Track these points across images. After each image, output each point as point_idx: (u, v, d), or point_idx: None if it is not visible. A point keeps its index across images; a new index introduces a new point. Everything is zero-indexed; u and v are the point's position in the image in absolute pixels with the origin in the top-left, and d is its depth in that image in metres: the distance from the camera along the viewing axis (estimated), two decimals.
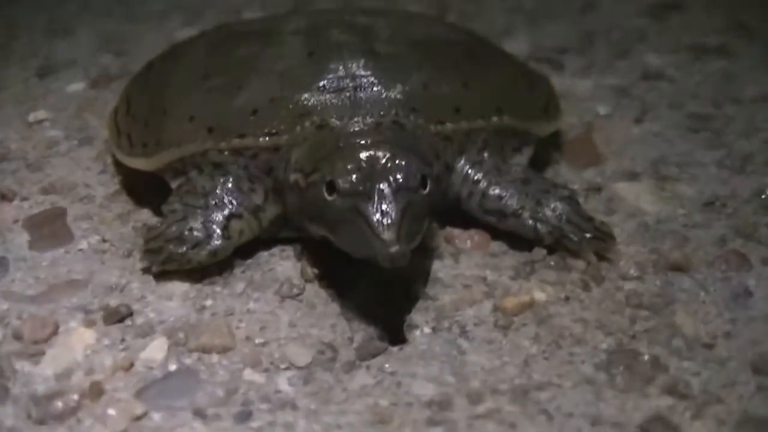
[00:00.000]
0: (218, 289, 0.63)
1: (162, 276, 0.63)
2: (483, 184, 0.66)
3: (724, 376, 0.55)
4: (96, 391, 0.54)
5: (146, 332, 0.59)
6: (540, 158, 0.75)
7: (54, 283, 0.64)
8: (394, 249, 0.53)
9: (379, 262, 0.54)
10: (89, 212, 0.71)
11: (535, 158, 0.72)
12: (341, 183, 0.56)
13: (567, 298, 0.62)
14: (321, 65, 0.66)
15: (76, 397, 0.54)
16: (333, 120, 0.63)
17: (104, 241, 0.68)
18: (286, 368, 0.56)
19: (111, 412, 0.53)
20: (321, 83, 0.65)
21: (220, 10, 1.12)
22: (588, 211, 0.67)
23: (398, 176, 0.56)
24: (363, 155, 0.57)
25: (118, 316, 0.60)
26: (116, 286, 0.63)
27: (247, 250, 0.65)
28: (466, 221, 0.68)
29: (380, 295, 0.62)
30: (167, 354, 0.57)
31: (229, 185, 0.64)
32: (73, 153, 0.80)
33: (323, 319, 0.60)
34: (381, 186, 0.55)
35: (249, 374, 0.56)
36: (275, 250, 0.67)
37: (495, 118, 0.67)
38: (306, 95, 0.64)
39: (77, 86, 0.93)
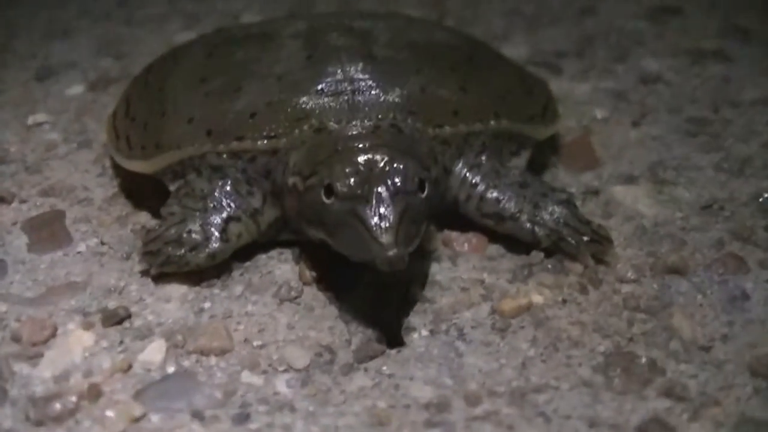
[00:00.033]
0: (216, 291, 0.63)
1: (160, 278, 0.63)
2: (481, 188, 0.67)
3: (722, 379, 0.56)
4: (94, 393, 0.54)
5: (144, 334, 0.59)
6: (538, 162, 0.76)
7: (52, 285, 0.64)
8: (392, 252, 0.53)
9: (377, 265, 0.54)
10: (88, 215, 0.71)
11: (533, 162, 0.73)
12: (339, 186, 0.56)
13: (564, 301, 0.62)
14: (319, 69, 0.66)
15: (74, 398, 0.54)
16: (331, 123, 0.63)
17: (103, 243, 0.68)
18: (284, 370, 0.57)
19: (109, 413, 0.53)
20: (319, 87, 0.65)
21: (219, 14, 1.12)
22: (585, 214, 0.68)
23: (396, 180, 0.56)
24: (361, 159, 0.57)
25: (116, 319, 0.60)
26: (115, 289, 0.63)
27: (245, 253, 0.65)
28: (464, 224, 0.68)
29: (378, 297, 0.62)
30: (165, 356, 0.57)
31: (228, 188, 0.65)
32: (71, 156, 0.80)
33: (321, 321, 0.60)
34: (379, 189, 0.55)
35: (247, 376, 0.56)
36: (273, 253, 0.67)
37: (493, 122, 0.68)
38: (304, 99, 0.64)
39: (76, 89, 0.93)
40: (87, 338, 0.59)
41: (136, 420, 0.53)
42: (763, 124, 0.84)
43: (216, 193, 0.64)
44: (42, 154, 0.80)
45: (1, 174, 0.77)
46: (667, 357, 0.57)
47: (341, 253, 0.59)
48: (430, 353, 0.58)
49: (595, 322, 0.60)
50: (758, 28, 1.04)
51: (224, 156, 0.64)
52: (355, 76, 0.65)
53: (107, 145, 0.76)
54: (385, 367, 0.57)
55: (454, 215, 0.68)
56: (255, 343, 0.59)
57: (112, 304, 0.62)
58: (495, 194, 0.66)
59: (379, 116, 0.63)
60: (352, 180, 0.56)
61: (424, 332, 0.59)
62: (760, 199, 0.73)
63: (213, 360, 0.57)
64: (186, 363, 0.57)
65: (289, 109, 0.64)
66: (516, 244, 0.66)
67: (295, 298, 0.62)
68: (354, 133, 0.62)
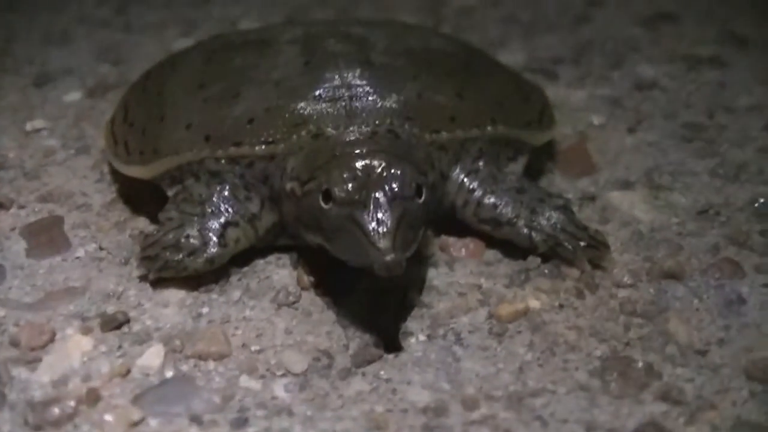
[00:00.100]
0: (214, 296, 0.63)
1: (159, 283, 0.63)
2: (478, 193, 0.67)
3: (718, 383, 0.56)
4: (93, 398, 0.54)
5: (143, 339, 0.59)
6: (534, 168, 0.76)
7: (51, 290, 0.64)
8: (389, 257, 0.53)
9: (374, 271, 0.54)
10: (86, 220, 0.72)
11: (529, 167, 0.73)
12: (337, 192, 0.56)
13: (561, 306, 0.62)
14: (317, 75, 0.67)
15: (72, 403, 0.54)
16: (329, 129, 0.63)
17: (101, 248, 0.68)
18: (282, 375, 0.57)
19: (108, 418, 0.53)
20: (317, 92, 0.65)
21: (217, 20, 1.12)
22: (582, 219, 0.68)
23: (393, 185, 0.56)
24: (359, 164, 0.57)
25: (115, 323, 0.60)
26: (113, 294, 0.63)
27: (243, 258, 0.66)
28: (461, 230, 0.68)
29: (376, 302, 0.62)
30: (164, 361, 0.57)
31: (226, 193, 0.65)
32: (70, 161, 0.80)
33: (319, 326, 0.61)
34: (376, 195, 0.55)
35: (245, 381, 0.56)
36: (271, 258, 0.67)
37: (490, 128, 0.68)
38: (302, 104, 0.65)
39: (74, 95, 0.93)
40: (85, 343, 0.59)
41: (135, 424, 0.53)
42: (758, 130, 0.85)
43: (214, 199, 0.65)
44: (40, 160, 0.81)
45: (0, 180, 0.77)
46: (663, 361, 0.57)
47: (339, 258, 0.59)
48: (427, 358, 0.58)
49: (591, 326, 0.60)
50: (753, 35, 1.04)
51: (222, 161, 0.65)
52: (353, 82, 0.66)
53: (105, 151, 0.76)
54: (382, 372, 0.57)
55: (451, 220, 0.68)
56: (253, 348, 0.59)
57: (110, 309, 0.62)
58: (492, 200, 0.66)
59: (377, 122, 0.64)
60: (350, 185, 0.56)
61: (422, 337, 0.60)
62: (756, 205, 0.73)
63: (211, 365, 0.57)
64: (184, 368, 0.57)
65: (286, 115, 0.64)
66: (513, 249, 0.67)
67: (293, 303, 0.63)
68: (352, 138, 0.62)
